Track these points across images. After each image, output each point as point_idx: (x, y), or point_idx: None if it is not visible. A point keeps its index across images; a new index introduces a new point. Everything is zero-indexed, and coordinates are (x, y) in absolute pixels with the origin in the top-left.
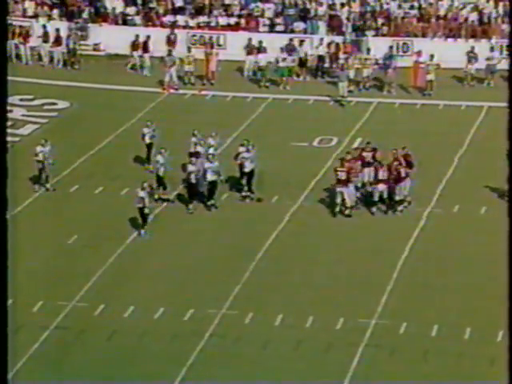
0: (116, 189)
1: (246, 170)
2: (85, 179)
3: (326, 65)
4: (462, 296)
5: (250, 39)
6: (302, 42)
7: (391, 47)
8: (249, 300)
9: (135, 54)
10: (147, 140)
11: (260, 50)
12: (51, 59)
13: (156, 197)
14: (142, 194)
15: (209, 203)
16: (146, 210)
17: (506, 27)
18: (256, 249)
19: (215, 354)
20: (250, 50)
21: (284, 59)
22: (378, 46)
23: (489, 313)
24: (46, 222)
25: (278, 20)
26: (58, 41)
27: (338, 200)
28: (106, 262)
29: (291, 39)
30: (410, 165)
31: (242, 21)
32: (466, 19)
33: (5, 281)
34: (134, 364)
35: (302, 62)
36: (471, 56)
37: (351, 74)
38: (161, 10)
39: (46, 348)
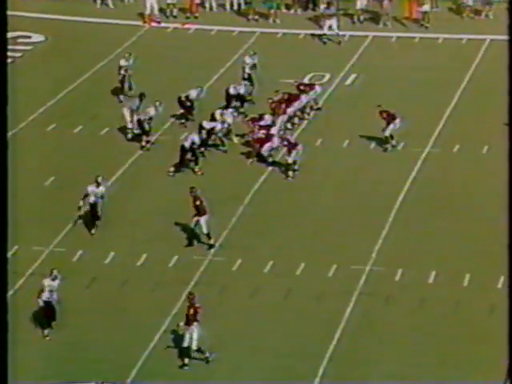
0: (95, 128)
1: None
2: (62, 118)
3: None
4: (461, 241)
5: None
6: None
7: None
8: (236, 246)
9: None
10: (122, 72)
11: None
12: None
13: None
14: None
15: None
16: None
17: None
18: (243, 192)
19: (201, 303)
20: None
21: None
22: None
23: (489, 258)
24: (20, 164)
25: None
26: None
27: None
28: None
29: None
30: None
31: None
32: None
33: None
34: (115, 313)
35: None
36: None
37: (333, 9)
38: None
39: (19, 296)
